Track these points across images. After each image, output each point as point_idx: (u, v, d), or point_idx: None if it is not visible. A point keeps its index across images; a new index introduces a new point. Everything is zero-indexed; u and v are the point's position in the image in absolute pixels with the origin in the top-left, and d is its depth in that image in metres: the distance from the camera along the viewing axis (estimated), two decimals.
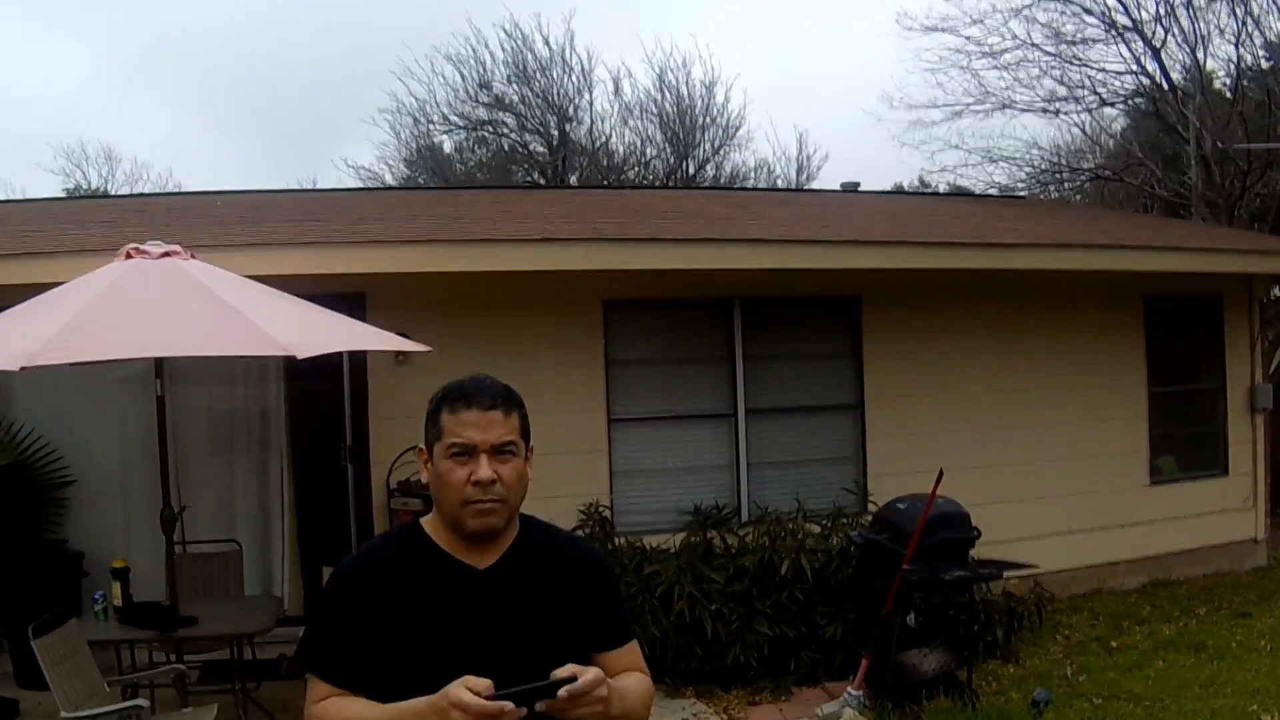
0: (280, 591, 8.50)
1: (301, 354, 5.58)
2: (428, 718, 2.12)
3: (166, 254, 6.38)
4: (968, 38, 20.92)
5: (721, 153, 27.04)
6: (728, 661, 7.52)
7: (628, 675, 2.41)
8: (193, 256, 6.57)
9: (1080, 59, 20.32)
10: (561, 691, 2.10)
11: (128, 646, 7.09)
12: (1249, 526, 11.43)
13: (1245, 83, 19.23)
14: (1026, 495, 9.91)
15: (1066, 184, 23.75)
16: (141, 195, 16.66)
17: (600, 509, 8.55)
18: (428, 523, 2.45)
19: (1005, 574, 7.10)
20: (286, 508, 8.79)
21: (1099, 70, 20.47)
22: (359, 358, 8.63)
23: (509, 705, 2.06)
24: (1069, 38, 19.97)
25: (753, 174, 27.05)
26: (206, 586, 7.49)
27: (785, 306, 9.47)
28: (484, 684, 2.08)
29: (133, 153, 49.43)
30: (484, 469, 2.30)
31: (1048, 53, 20.36)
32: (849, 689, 6.89)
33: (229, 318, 5.83)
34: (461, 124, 26.56)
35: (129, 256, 6.33)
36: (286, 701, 6.99)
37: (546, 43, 25.51)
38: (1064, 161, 23.21)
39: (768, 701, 7.44)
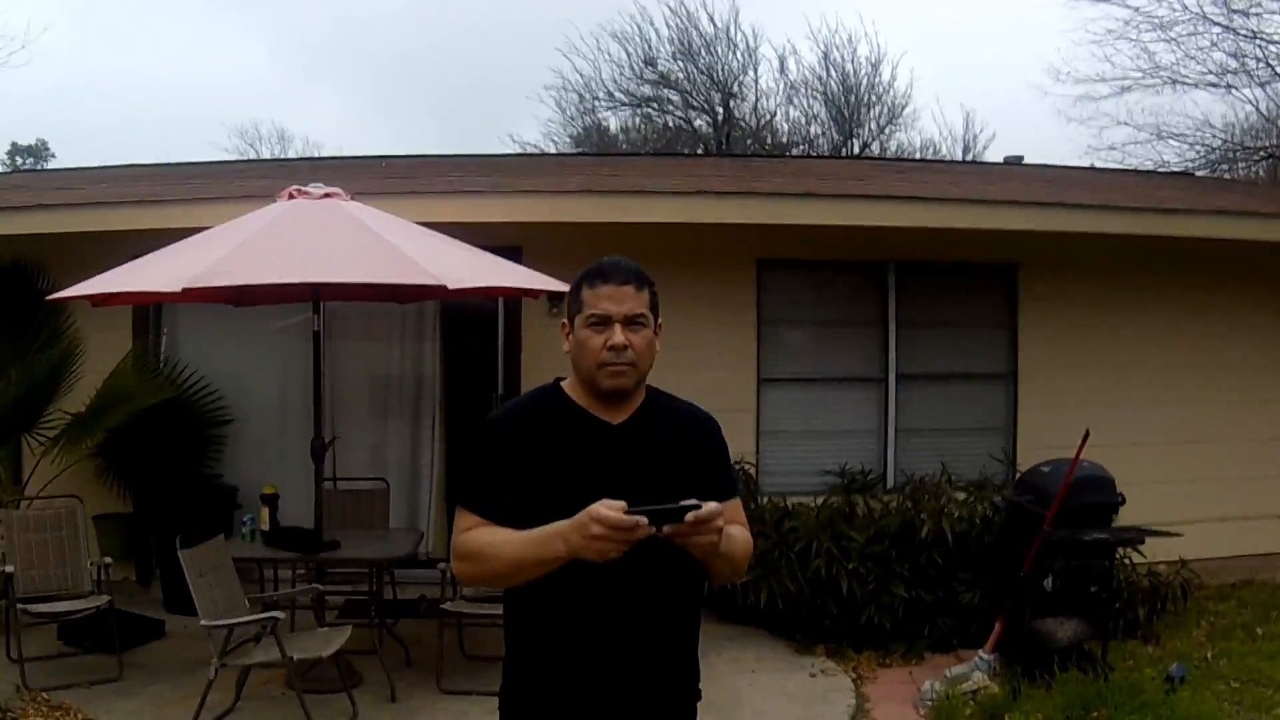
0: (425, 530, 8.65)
1: (452, 285, 5.72)
2: (567, 534, 2.38)
3: (327, 195, 6.59)
4: (1135, 9, 20.27)
5: (887, 131, 26.68)
6: (861, 621, 7.39)
7: (733, 526, 2.61)
8: (353, 199, 6.76)
9: (1253, 31, 19.52)
10: (689, 516, 2.33)
11: (272, 568, 7.37)
12: None
13: None
14: (1181, 476, 9.45)
15: (1241, 164, 22.76)
16: (309, 159, 17.21)
17: (745, 467, 8.44)
18: (567, 385, 2.75)
19: (1146, 539, 6.81)
20: (436, 454, 9.01)
21: (1272, 42, 19.64)
22: (514, 310, 8.78)
23: (643, 520, 2.30)
24: (1241, 9, 19.20)
25: (919, 153, 26.55)
26: (354, 521, 7.71)
27: (940, 271, 9.27)
28: (619, 504, 2.33)
29: (304, 133, 51.00)
30: (618, 335, 2.60)
31: (1218, 24, 19.61)
32: (980, 653, 6.69)
33: (385, 251, 6.00)
34: (626, 101, 26.76)
35: (291, 197, 6.56)
36: (422, 637, 7.14)
37: (711, 20, 25.57)
38: (1238, 141, 22.24)
39: (898, 664, 7.29)
